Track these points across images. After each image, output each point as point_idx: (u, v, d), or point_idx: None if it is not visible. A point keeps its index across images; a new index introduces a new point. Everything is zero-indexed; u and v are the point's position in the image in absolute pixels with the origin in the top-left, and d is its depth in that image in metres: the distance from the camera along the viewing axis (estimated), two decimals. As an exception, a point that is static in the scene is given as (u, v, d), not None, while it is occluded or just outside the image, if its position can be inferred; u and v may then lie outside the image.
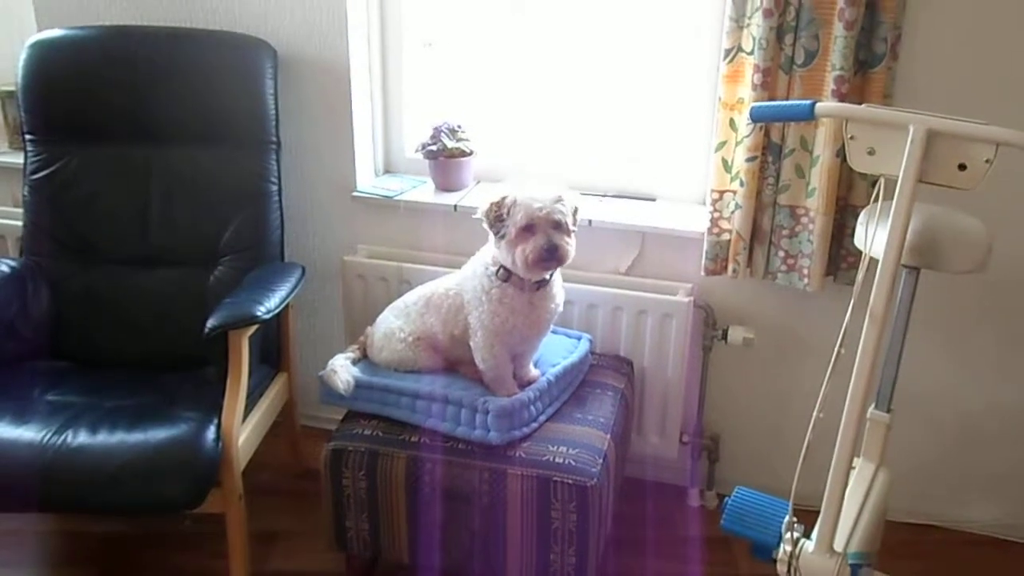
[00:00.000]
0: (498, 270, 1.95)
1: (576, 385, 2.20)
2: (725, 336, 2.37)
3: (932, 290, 2.11)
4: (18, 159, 2.57)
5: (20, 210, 2.53)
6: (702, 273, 2.28)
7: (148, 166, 2.41)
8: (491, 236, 1.95)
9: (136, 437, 1.95)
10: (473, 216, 1.96)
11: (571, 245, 1.91)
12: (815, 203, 2.09)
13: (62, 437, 1.94)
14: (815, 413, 1.55)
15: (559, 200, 1.88)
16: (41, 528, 2.45)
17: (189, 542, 2.36)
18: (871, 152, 1.58)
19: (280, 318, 2.38)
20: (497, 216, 1.88)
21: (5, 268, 2.32)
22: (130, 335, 2.38)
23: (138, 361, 2.35)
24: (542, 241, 1.86)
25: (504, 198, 1.89)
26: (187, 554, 2.32)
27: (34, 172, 2.41)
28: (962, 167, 1.51)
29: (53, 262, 2.39)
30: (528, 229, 1.86)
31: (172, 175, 2.41)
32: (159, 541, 2.39)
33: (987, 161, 1.48)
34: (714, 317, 2.39)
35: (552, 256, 1.87)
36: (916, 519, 2.49)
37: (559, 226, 1.88)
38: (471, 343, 2.02)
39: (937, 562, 2.36)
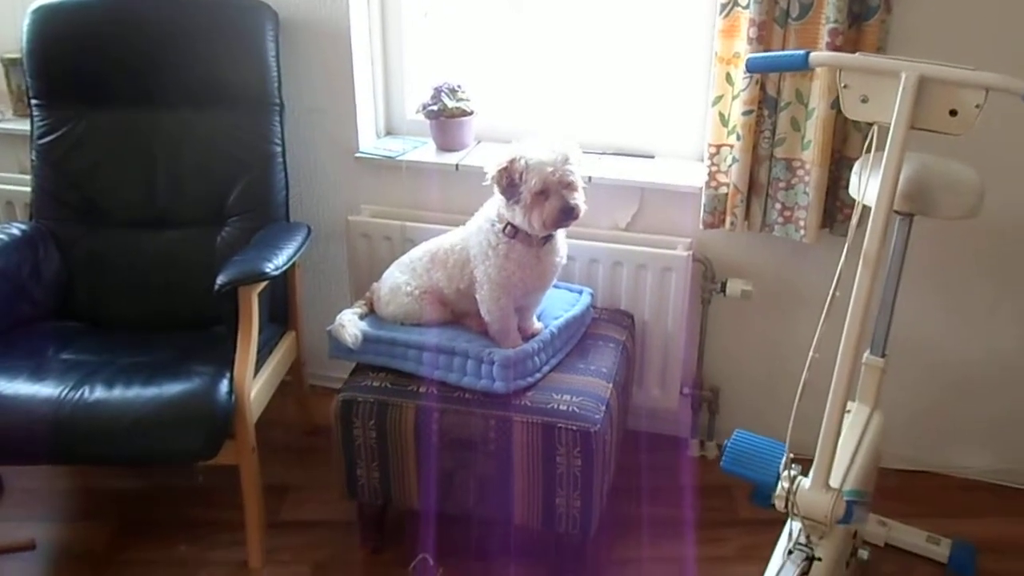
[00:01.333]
0: (505, 226, 1.99)
1: (578, 337, 2.25)
2: (724, 289, 2.42)
3: (928, 239, 2.16)
4: (22, 126, 2.61)
5: (27, 176, 2.57)
6: (700, 227, 2.32)
7: (153, 129, 2.44)
8: (498, 195, 1.98)
9: (151, 391, 2.01)
10: (483, 183, 1.99)
11: (583, 201, 1.95)
12: (811, 155, 2.13)
13: (79, 392, 2.00)
14: (810, 353, 1.60)
15: (568, 160, 1.92)
16: (59, 485, 2.51)
17: (203, 497, 2.42)
18: (864, 100, 1.62)
19: (287, 277, 2.43)
20: (510, 182, 1.92)
21: (16, 231, 2.36)
22: (140, 296, 2.43)
23: (148, 321, 2.40)
24: (559, 203, 1.90)
25: (513, 161, 1.92)
26: (201, 508, 2.39)
27: (41, 137, 2.44)
28: (953, 113, 1.55)
29: (62, 225, 2.43)
30: (542, 193, 1.90)
31: (177, 138, 2.44)
32: (173, 496, 2.46)
33: (977, 106, 1.52)
34: (713, 270, 2.44)
35: (568, 216, 1.92)
36: (911, 465, 2.56)
37: (571, 186, 1.93)
38: (477, 296, 2.07)
39: (931, 506, 2.42)
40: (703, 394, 2.60)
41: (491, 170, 1.94)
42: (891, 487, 2.45)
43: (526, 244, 1.99)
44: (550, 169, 1.88)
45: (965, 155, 1.88)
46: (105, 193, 2.45)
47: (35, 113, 2.46)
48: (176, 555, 2.23)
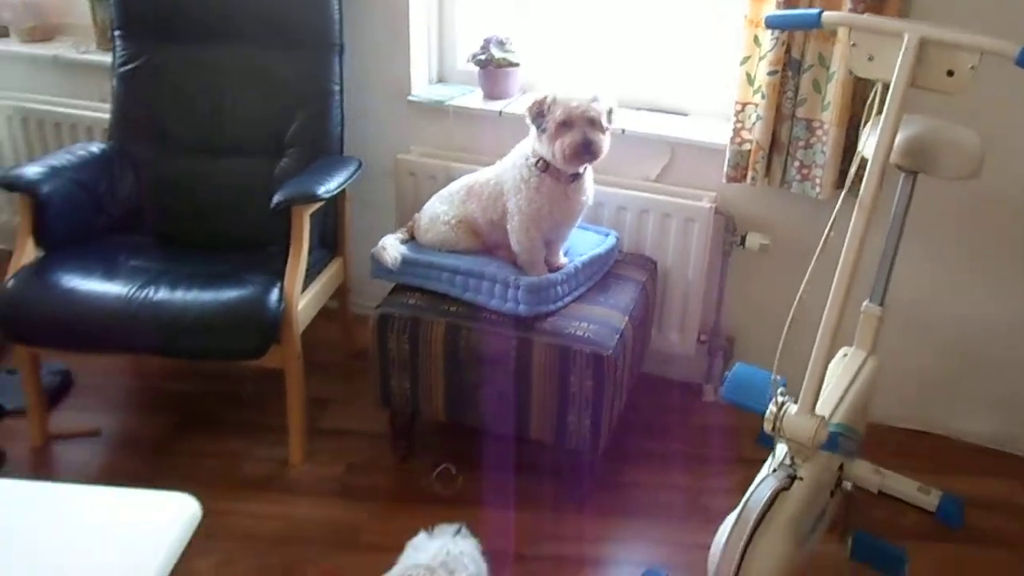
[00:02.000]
0: (537, 161, 2.16)
1: (601, 274, 2.42)
2: (743, 242, 2.57)
3: (937, 205, 2.29)
4: (105, 58, 2.84)
5: (106, 104, 2.81)
6: (724, 180, 2.47)
7: (221, 64, 2.65)
8: (532, 130, 2.16)
9: (209, 295, 2.23)
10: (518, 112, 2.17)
11: (605, 141, 2.11)
12: (830, 116, 2.26)
13: (146, 292, 2.23)
14: (800, 292, 1.75)
15: (595, 99, 2.09)
16: (121, 383, 2.77)
17: (251, 404, 2.66)
18: (870, 59, 1.75)
19: (337, 206, 2.63)
20: (538, 112, 2.10)
21: (95, 150, 2.60)
22: (202, 216, 2.65)
23: (208, 240, 2.62)
24: (578, 136, 2.07)
25: (545, 97, 2.10)
26: (250, 412, 2.62)
27: (122, 65, 2.67)
28: (950, 73, 1.67)
29: (136, 147, 2.66)
30: (566, 125, 2.07)
31: (243, 73, 2.65)
32: (225, 401, 2.69)
33: (972, 68, 1.65)
34: (734, 223, 2.59)
35: (587, 150, 2.08)
36: (912, 425, 2.68)
37: (594, 123, 2.09)
38: (508, 227, 2.24)
39: (928, 463, 2.53)
40: (719, 342, 2.75)
41: (528, 102, 2.11)
42: (893, 443, 2.60)
43: (556, 179, 2.17)
44: (575, 104, 2.05)
45: (972, 124, 1.99)
46: (175, 121, 2.67)
47: (117, 44, 2.68)
48: (226, 449, 2.47)
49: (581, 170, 2.20)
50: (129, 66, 2.66)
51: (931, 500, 2.36)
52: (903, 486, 2.40)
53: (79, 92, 3.08)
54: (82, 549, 1.44)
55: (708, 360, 2.78)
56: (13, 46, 3.14)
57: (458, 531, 1.67)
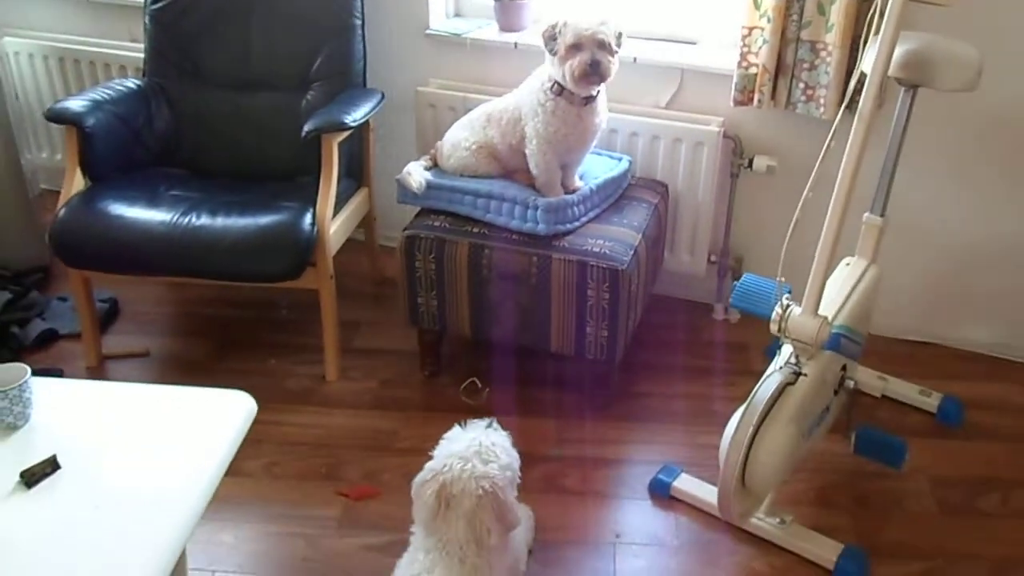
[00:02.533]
0: (552, 85, 2.28)
1: (616, 196, 2.54)
2: (751, 164, 2.68)
3: (938, 120, 2.39)
4: (134, -2, 2.95)
5: (136, 44, 2.95)
6: (731, 103, 2.57)
7: (250, 1, 2.75)
8: (547, 56, 2.27)
9: (246, 220, 2.38)
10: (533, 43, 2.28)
11: (613, 63, 2.22)
12: (833, 38, 2.35)
13: (187, 218, 2.38)
14: (805, 192, 1.87)
15: (604, 23, 2.19)
16: (166, 310, 2.93)
17: (288, 326, 2.83)
18: (871, -25, 1.85)
19: (362, 137, 2.76)
20: (551, 36, 2.21)
21: (132, 85, 2.72)
22: (235, 149, 2.78)
23: (242, 171, 2.75)
24: (587, 57, 2.18)
25: (557, 21, 2.21)
26: (287, 334, 2.79)
27: (154, 3, 2.78)
28: (945, -14, 1.77)
29: (171, 83, 2.79)
30: (576, 47, 2.18)
31: (271, 9, 2.75)
32: (264, 324, 2.86)
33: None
34: (741, 147, 2.70)
35: (595, 71, 2.19)
36: (918, 336, 2.81)
37: (603, 45, 2.19)
38: (526, 151, 2.36)
39: (930, 370, 2.67)
40: (729, 263, 2.88)
41: (542, 28, 2.22)
42: (896, 354, 2.73)
43: (570, 102, 2.28)
44: (584, 26, 2.16)
45: (969, 41, 2.09)
46: (207, 56, 2.79)
47: (148, -17, 2.79)
48: (267, 367, 2.63)
49: (594, 92, 2.30)
50: (160, 4, 2.77)
51: (932, 402, 2.51)
52: (905, 390, 2.55)
53: (109, 32, 3.20)
54: (148, 443, 1.59)
55: (718, 280, 2.91)
56: (45, -12, 3.26)
57: (489, 424, 1.82)
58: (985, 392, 2.59)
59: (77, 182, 2.47)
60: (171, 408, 1.69)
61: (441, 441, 1.79)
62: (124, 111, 2.61)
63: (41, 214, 3.10)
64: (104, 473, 1.51)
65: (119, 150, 2.59)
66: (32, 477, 1.47)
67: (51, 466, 1.49)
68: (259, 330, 2.82)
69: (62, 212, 2.39)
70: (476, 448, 1.74)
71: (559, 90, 2.27)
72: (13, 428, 1.58)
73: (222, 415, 1.66)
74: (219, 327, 2.83)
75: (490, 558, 1.71)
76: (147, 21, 2.78)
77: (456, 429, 1.81)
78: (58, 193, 2.45)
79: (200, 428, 1.63)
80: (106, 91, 2.62)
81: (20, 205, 2.99)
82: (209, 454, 1.56)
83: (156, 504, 1.43)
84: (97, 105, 2.53)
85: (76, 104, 2.49)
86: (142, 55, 2.87)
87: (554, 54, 2.21)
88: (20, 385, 1.56)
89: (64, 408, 1.65)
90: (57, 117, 2.45)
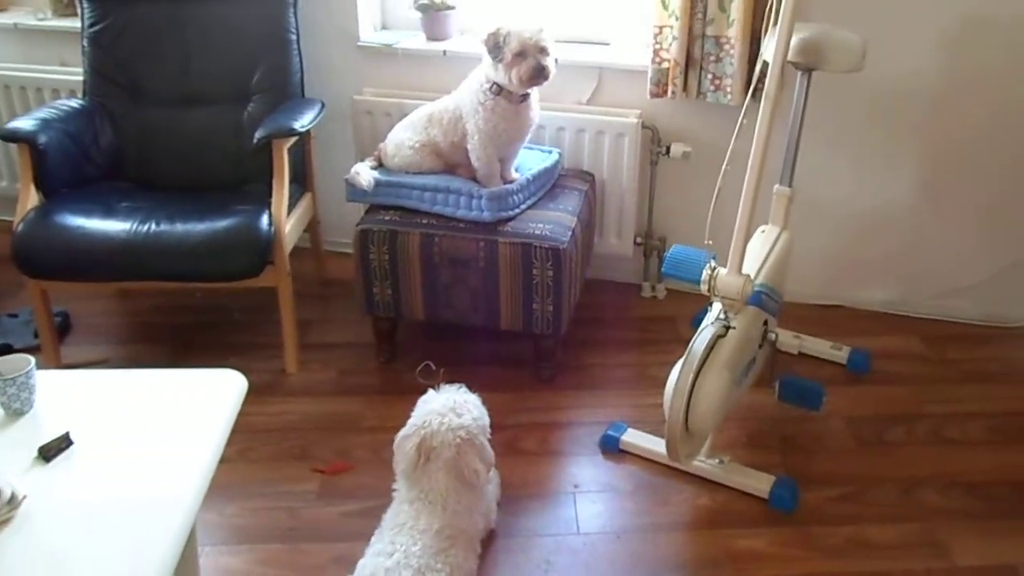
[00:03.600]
0: (491, 86, 2.48)
1: (550, 186, 2.76)
2: (668, 151, 2.93)
3: (830, 108, 2.68)
4: (63, 23, 3.06)
5: (66, 68, 3.09)
6: (647, 97, 2.82)
7: (186, 19, 2.88)
8: (485, 60, 2.47)
9: (205, 225, 2.50)
10: (479, 40, 2.47)
11: (553, 64, 2.44)
12: (735, 32, 2.63)
13: (146, 226, 2.49)
14: (723, 166, 2.12)
15: (541, 30, 2.41)
16: (118, 321, 3.01)
17: (243, 328, 2.94)
18: (766, -27, 2.11)
19: (304, 145, 2.91)
20: (495, 44, 2.41)
21: (75, 104, 2.82)
22: (181, 161, 2.89)
23: (190, 182, 2.86)
24: (533, 63, 2.39)
25: (499, 29, 2.41)
26: (243, 335, 2.91)
27: (91, 26, 2.87)
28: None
29: (112, 102, 2.88)
30: (521, 54, 2.39)
31: (207, 27, 2.88)
32: (218, 328, 2.96)
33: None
34: (659, 135, 2.95)
35: (541, 74, 2.41)
36: (826, 301, 3.11)
37: (543, 50, 2.41)
38: (468, 146, 2.56)
39: (838, 329, 2.94)
40: (652, 243, 3.12)
41: (481, 35, 2.42)
42: (808, 318, 3.01)
43: (508, 101, 2.49)
44: (527, 35, 2.37)
45: (853, 29, 2.38)
46: (147, 74, 2.89)
47: (84, 6, 2.88)
48: (227, 366, 2.71)
49: (529, 91, 2.52)
50: (97, 27, 2.87)
51: (842, 355, 2.80)
52: (818, 346, 2.83)
53: (40, 58, 3.26)
54: (150, 420, 1.69)
55: (644, 260, 3.15)
56: (-29, 18, 3.30)
57: (460, 387, 2.00)
58: (888, 344, 2.89)
59: (32, 198, 2.54)
60: (166, 389, 1.81)
61: (418, 403, 1.96)
62: (72, 128, 2.70)
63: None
64: (113, 448, 1.62)
65: (70, 166, 2.67)
66: (49, 452, 1.57)
67: (65, 442, 1.60)
68: (214, 333, 2.93)
69: (20, 227, 2.46)
70: (451, 405, 1.92)
71: (498, 90, 2.47)
72: (20, 413, 1.68)
73: (216, 392, 1.79)
74: (174, 333, 2.93)
75: (468, 502, 1.89)
76: (85, 44, 2.88)
77: (431, 392, 1.99)
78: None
79: (198, 404, 1.74)
80: (52, 110, 2.71)
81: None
82: (210, 427, 1.67)
83: (167, 473, 1.53)
84: (47, 123, 2.61)
85: (27, 123, 2.57)
86: (74, 78, 2.98)
87: (500, 61, 2.41)
88: (26, 372, 1.66)
89: (64, 394, 1.75)
90: (11, 136, 2.53)
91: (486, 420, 1.97)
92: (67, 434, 1.60)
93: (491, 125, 2.49)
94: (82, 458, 1.58)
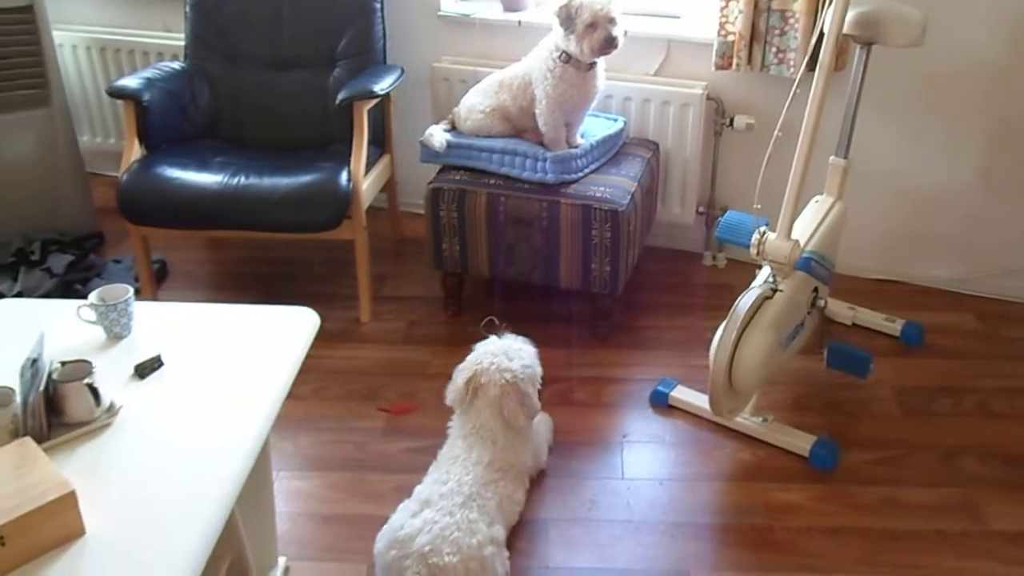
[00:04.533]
0: (560, 54, 2.60)
1: (613, 152, 2.88)
2: (732, 123, 3.01)
3: (889, 82, 2.72)
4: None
5: (169, 33, 3.32)
6: (712, 69, 2.90)
7: (281, -12, 3.09)
8: (555, 28, 2.59)
9: (289, 179, 2.70)
10: (551, 12, 2.60)
11: (623, 35, 2.55)
12: (799, 6, 2.69)
13: (236, 179, 2.70)
14: (775, 132, 2.20)
15: (611, 1, 2.52)
16: (210, 269, 3.25)
17: (320, 280, 3.15)
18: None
19: (383, 108, 3.08)
20: (567, 16, 2.53)
21: (177, 66, 3.04)
22: (269, 122, 3.10)
23: (278, 142, 3.07)
24: (604, 34, 2.51)
25: (571, 1, 2.52)
26: (321, 285, 3.12)
27: (193, -8, 3.10)
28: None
29: (211, 64, 3.10)
30: (592, 25, 2.51)
31: (298, -3, 3.08)
32: (299, 278, 3.18)
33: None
34: (723, 107, 3.03)
35: (611, 44, 2.53)
36: (883, 275, 3.16)
37: (613, 21, 2.53)
38: (536, 111, 2.69)
39: (895, 303, 3.00)
40: (715, 213, 3.21)
41: (554, 7, 2.55)
42: (864, 291, 3.07)
43: (576, 68, 2.61)
44: (598, 6, 2.49)
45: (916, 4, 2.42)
46: (243, 40, 3.10)
47: (187, -25, 3.11)
48: (306, 312, 2.95)
49: (596, 60, 2.64)
50: (198, -6, 3.10)
51: (895, 327, 2.85)
52: (872, 317, 2.89)
53: (144, 24, 3.52)
54: (233, 348, 1.88)
55: (706, 230, 3.25)
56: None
57: (517, 337, 2.16)
58: (942, 320, 2.93)
59: (135, 151, 2.78)
60: (247, 321, 1.99)
61: (475, 347, 2.12)
62: (173, 88, 2.93)
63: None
64: (199, 369, 1.81)
65: (170, 123, 2.91)
66: (143, 370, 1.77)
67: (157, 362, 1.80)
68: (296, 284, 3.15)
69: (125, 176, 2.70)
70: (505, 350, 2.07)
71: (567, 58, 2.60)
72: (120, 337, 1.89)
73: (292, 326, 1.96)
74: (259, 282, 3.16)
75: (516, 441, 2.05)
76: (187, 10, 3.10)
77: (491, 338, 2.14)
78: (100, 176, 2.75)
79: (275, 335, 1.93)
80: (156, 71, 2.95)
81: (78, 180, 3.31)
82: (285, 355, 1.85)
83: (245, 392, 1.71)
84: (151, 82, 2.85)
85: (133, 82, 2.81)
86: (175, 43, 3.20)
87: (571, 32, 2.53)
88: (126, 300, 1.87)
89: (157, 323, 1.96)
90: (118, 93, 2.77)
91: (536, 370, 2.12)
92: (159, 356, 1.80)
93: (559, 91, 2.62)
94: (171, 377, 1.78)
